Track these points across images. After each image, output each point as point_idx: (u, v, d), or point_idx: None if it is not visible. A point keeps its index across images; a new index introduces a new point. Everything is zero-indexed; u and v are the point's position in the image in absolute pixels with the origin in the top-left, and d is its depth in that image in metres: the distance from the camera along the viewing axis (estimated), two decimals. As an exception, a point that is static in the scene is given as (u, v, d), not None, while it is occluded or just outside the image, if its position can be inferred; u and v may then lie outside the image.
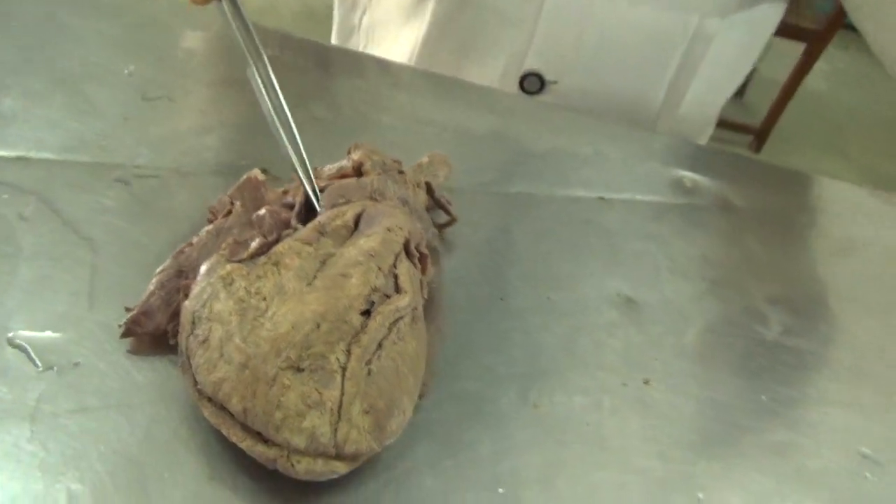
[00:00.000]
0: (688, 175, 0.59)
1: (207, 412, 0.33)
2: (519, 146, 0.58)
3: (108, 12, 0.60)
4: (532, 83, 0.61)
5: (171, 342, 0.37)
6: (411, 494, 0.35)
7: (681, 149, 0.62)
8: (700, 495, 0.37)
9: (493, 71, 0.62)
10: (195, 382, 0.34)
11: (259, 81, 0.43)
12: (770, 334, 0.47)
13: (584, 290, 0.47)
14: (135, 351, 0.38)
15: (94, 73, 0.54)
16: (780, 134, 2.51)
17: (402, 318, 0.35)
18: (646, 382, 0.42)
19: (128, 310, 0.38)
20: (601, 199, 0.55)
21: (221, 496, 0.33)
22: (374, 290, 0.35)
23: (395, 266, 0.36)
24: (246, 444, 0.32)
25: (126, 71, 0.55)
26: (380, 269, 0.36)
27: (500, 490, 0.35)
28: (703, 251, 0.52)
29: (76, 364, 0.36)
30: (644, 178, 0.58)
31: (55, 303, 0.39)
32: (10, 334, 0.37)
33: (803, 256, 0.55)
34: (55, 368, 0.36)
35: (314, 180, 0.42)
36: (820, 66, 2.42)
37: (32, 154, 0.47)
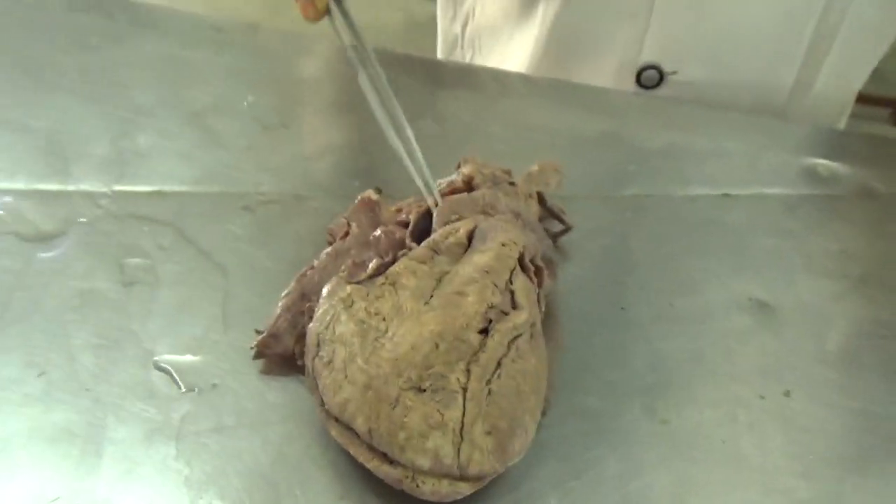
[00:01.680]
0: (822, 163, 0.55)
1: (335, 432, 0.34)
2: (633, 146, 0.56)
3: (226, 46, 0.63)
4: (650, 77, 0.59)
5: (299, 363, 0.38)
6: (538, 514, 0.34)
7: (813, 135, 0.58)
8: (852, 517, 0.34)
9: (608, 67, 0.60)
10: (322, 403, 0.35)
11: (372, 89, 0.43)
12: (927, 336, 0.43)
13: (710, 294, 0.45)
14: (267, 372, 0.40)
15: (218, 105, 0.57)
16: (925, 104, 2.28)
17: (520, 335, 0.35)
18: (786, 394, 0.39)
19: (258, 332, 0.40)
20: (725, 195, 0.52)
21: (351, 515, 0.34)
22: (491, 307, 0.35)
23: (510, 282, 0.36)
24: (373, 464, 0.33)
25: (245, 102, 0.57)
26: (495, 285, 0.35)
27: (631, 510, 0.34)
28: (843, 245, 0.48)
29: (214, 385, 0.39)
30: (773, 170, 0.54)
31: (194, 327, 0.41)
32: (156, 358, 0.40)
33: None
34: (196, 390, 0.38)
35: (433, 190, 0.42)
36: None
37: (167, 188, 0.50)
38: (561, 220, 0.47)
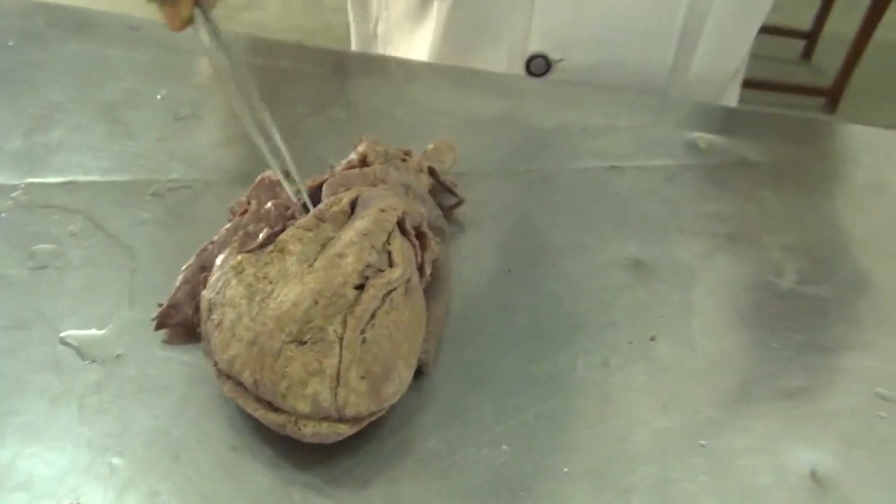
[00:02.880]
0: (702, 136, 0.59)
1: (226, 388, 0.37)
2: (528, 126, 0.59)
3: (142, 43, 0.65)
4: (538, 65, 0.63)
5: (198, 331, 0.41)
6: (418, 455, 0.37)
7: (694, 111, 0.62)
8: (702, 442, 0.38)
9: (499, 57, 0.64)
10: (215, 363, 0.38)
11: (238, 97, 0.43)
12: (785, 284, 0.47)
13: (592, 256, 0.48)
14: (169, 341, 0.42)
15: (130, 100, 0.59)
16: (854, 93, 2.39)
17: (394, 289, 0.37)
18: (651, 339, 0.43)
19: (159, 305, 0.42)
20: (612, 167, 0.56)
21: (243, 462, 0.36)
22: (368, 266, 0.38)
23: (388, 243, 0.39)
24: (259, 413, 0.36)
25: (159, 95, 0.60)
26: (373, 246, 0.38)
27: (504, 447, 0.37)
28: (716, 209, 0.52)
29: (118, 356, 0.41)
30: (657, 143, 0.58)
31: (100, 305, 0.44)
32: (62, 334, 0.42)
33: (824, 205, 0.54)
34: (100, 361, 0.40)
35: (299, 185, 0.43)
36: (890, 16, 2.29)
37: (78, 178, 0.52)
38: (453, 193, 0.50)
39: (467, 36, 0.64)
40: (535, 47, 0.62)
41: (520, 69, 0.64)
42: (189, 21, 0.41)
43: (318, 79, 0.64)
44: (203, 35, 0.42)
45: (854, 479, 0.36)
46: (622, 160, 0.56)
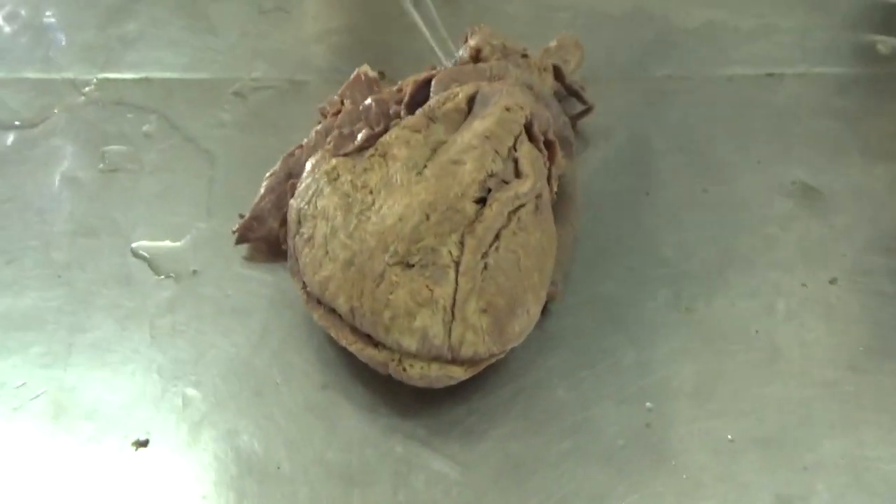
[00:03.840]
0: (882, 39, 0.48)
1: (317, 315, 0.31)
2: (666, 24, 0.50)
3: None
4: None
5: (284, 247, 0.35)
6: (543, 407, 0.30)
7: (872, 8, 0.51)
8: (906, 413, 0.30)
9: None
10: (304, 284, 0.32)
11: None
12: None
13: (750, 179, 0.40)
14: (251, 258, 0.36)
15: (213, -10, 0.53)
16: None
17: (523, 205, 0.30)
18: (832, 282, 0.35)
19: (241, 217, 0.36)
20: (769, 75, 0.46)
21: (335, 404, 0.31)
22: (491, 175, 0.30)
23: (514, 149, 0.32)
24: (356, 347, 0.30)
25: (243, -15, 0.53)
26: (497, 152, 0.31)
27: (649, 405, 0.30)
28: (903, 127, 0.42)
29: (194, 272, 0.36)
30: (825, 48, 0.48)
31: (175, 214, 0.38)
32: (134, 245, 0.37)
33: None
34: (174, 276, 0.35)
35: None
36: None
37: (155, 74, 0.46)
38: (581, 99, 0.42)
39: None
40: None
41: None
42: None
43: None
44: None
45: None
46: (782, 66, 0.47)
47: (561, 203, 0.36)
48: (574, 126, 0.42)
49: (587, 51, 0.45)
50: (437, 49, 0.36)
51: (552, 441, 0.29)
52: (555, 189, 0.35)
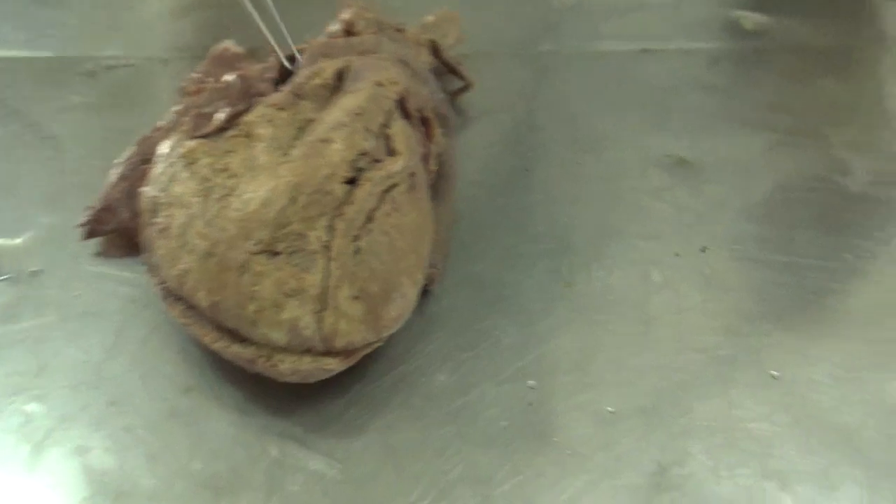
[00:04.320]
0: (748, 15, 0.50)
1: (176, 312, 0.28)
2: (544, 1, 0.50)
3: None
4: None
5: (139, 241, 0.32)
6: (424, 394, 0.29)
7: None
8: (774, 373, 0.31)
9: None
10: (161, 280, 0.29)
11: None
12: (854, 185, 0.39)
13: (624, 152, 0.40)
14: (103, 253, 0.33)
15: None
16: None
17: (396, 185, 0.29)
18: (703, 250, 0.35)
19: (89, 208, 0.33)
20: (644, 50, 0.47)
21: (201, 408, 0.28)
22: (362, 154, 0.29)
23: (386, 125, 0.30)
24: (220, 344, 0.27)
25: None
26: (367, 129, 0.29)
27: (530, 383, 0.30)
28: (769, 99, 0.44)
29: (35, 272, 0.32)
30: (695, 23, 0.49)
31: (14, 208, 0.35)
32: (-34, 244, 0.33)
33: (889, 93, 0.46)
34: (12, 277, 0.32)
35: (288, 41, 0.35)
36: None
37: (-9, 52, 0.42)
38: (460, 75, 0.41)
39: None
40: None
41: None
42: None
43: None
44: None
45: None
46: (655, 42, 0.47)
47: (439, 182, 0.35)
48: (453, 103, 0.41)
49: (467, 27, 0.44)
50: (269, 36, 0.34)
51: (434, 427, 0.28)
52: (433, 168, 0.34)
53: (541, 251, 0.35)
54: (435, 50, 0.40)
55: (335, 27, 0.39)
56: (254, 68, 0.36)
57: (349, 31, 0.38)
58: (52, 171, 0.36)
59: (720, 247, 0.35)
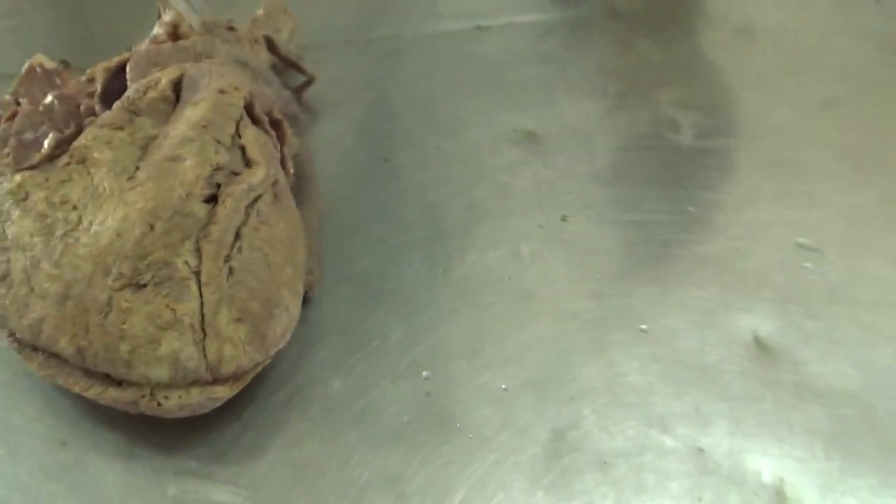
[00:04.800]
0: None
1: (35, 365, 0.26)
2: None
3: None
4: None
5: (-26, 290, 0.29)
6: (321, 403, 0.29)
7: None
8: (643, 327, 0.33)
9: None
10: (10, 332, 0.26)
11: None
12: (685, 140, 0.43)
13: (476, 131, 0.41)
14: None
15: None
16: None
17: (260, 196, 0.28)
18: (563, 219, 0.37)
19: None
20: (478, 28, 0.48)
21: (81, 460, 0.26)
22: (217, 168, 0.27)
23: (238, 135, 0.29)
24: (93, 391, 0.25)
25: None
26: (218, 141, 0.28)
27: (425, 374, 0.30)
28: (598, 65, 0.47)
29: None
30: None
31: None
32: None
33: (703, 50, 0.50)
34: None
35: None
36: None
37: None
38: (301, 70, 0.40)
39: None
40: None
41: None
42: None
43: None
44: None
45: (795, 338, 0.34)
46: (487, 18, 0.48)
47: (299, 185, 0.34)
48: (299, 99, 0.40)
49: (301, 17, 0.43)
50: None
51: (337, 435, 0.28)
52: (291, 171, 0.33)
53: (414, 240, 0.35)
54: (271, 46, 0.39)
55: (158, 31, 0.36)
56: (73, 83, 0.33)
57: (175, 35, 0.36)
58: None
59: (577, 213, 0.37)
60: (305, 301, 0.30)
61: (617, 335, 0.33)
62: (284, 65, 0.40)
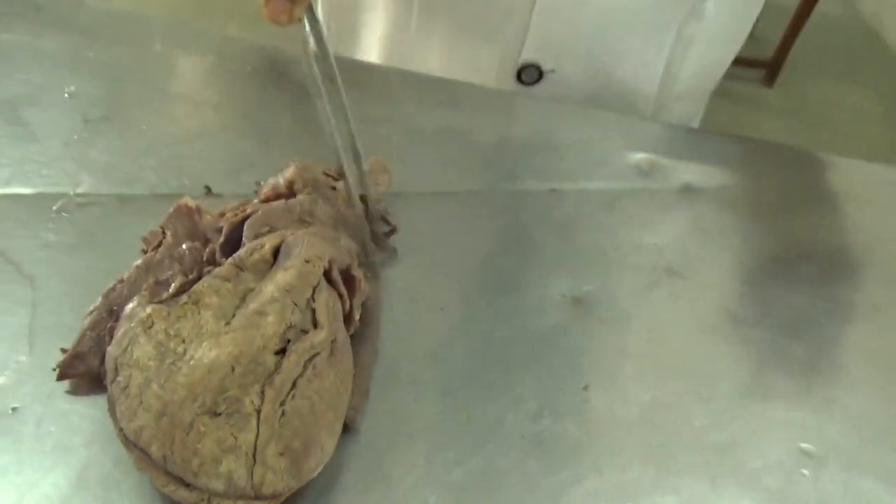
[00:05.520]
0: (644, 157, 0.58)
1: (134, 457, 0.34)
2: (467, 140, 0.57)
3: (47, 27, 0.59)
4: (530, 74, 0.61)
5: (105, 383, 0.38)
6: (343, 521, 0.35)
7: (642, 128, 0.61)
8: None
9: (489, 63, 0.61)
10: (121, 428, 0.35)
11: (328, 110, 0.42)
12: (721, 325, 0.46)
13: (529, 292, 0.47)
14: (74, 392, 0.39)
15: (34, 95, 0.54)
16: (793, 64, 2.42)
17: (318, 354, 0.35)
18: (585, 388, 0.42)
19: (63, 351, 0.39)
20: (553, 190, 0.54)
21: (153, 539, 0.34)
22: (290, 327, 0.35)
23: (312, 299, 0.37)
24: (169, 489, 0.33)
25: (66, 92, 0.54)
26: (296, 304, 0.36)
27: (432, 509, 0.36)
28: (654, 240, 0.51)
29: (14, 409, 0.38)
30: (600, 163, 0.57)
31: (-4, 347, 0.40)
32: (-49, 382, 0.38)
33: (760, 234, 0.53)
34: (-6, 416, 0.37)
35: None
36: (832, -10, 2.31)
37: (-27, 190, 0.47)
38: (386, 222, 0.48)
39: (451, 35, 0.61)
40: (529, 55, 0.60)
41: (510, 77, 0.62)
42: (299, 18, 0.38)
43: (244, 76, 0.60)
44: (307, 30, 0.39)
45: (775, 542, 0.37)
46: (564, 181, 0.55)
47: (363, 325, 0.42)
48: (382, 246, 0.47)
49: (399, 167, 0.51)
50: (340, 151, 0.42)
51: (348, 553, 0.34)
52: (357, 317, 0.41)
53: (450, 387, 0.41)
54: (364, 203, 0.47)
55: (280, 181, 0.45)
56: (208, 219, 0.43)
57: (290, 188, 0.45)
58: (29, 310, 0.42)
59: (599, 384, 0.42)
60: (346, 430, 0.37)
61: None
62: (373, 217, 0.48)
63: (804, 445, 0.41)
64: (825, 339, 0.46)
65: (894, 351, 0.45)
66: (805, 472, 0.40)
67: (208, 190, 0.50)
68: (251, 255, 0.38)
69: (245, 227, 0.40)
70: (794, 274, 0.51)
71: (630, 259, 0.50)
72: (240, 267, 0.38)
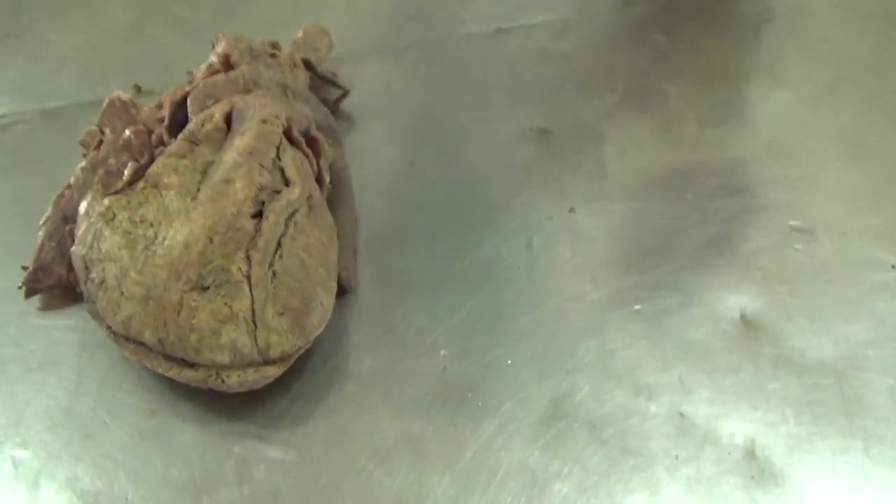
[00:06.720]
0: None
1: (128, 351, 0.33)
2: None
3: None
4: None
5: (79, 290, 0.36)
6: (355, 379, 0.35)
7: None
8: (637, 307, 0.37)
9: None
10: (107, 326, 0.33)
11: None
12: (689, 129, 0.46)
13: (495, 132, 0.45)
14: (47, 307, 0.37)
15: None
16: None
17: (296, 210, 0.34)
18: (571, 210, 0.41)
19: (24, 269, 0.36)
20: (498, 30, 0.52)
21: (167, 425, 0.33)
22: (261, 188, 0.33)
23: (278, 158, 0.35)
24: (173, 372, 0.32)
25: (-42, 13, 0.49)
26: (262, 165, 0.34)
27: (443, 352, 0.36)
28: (609, 61, 0.50)
29: (-12, 335, 0.35)
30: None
31: (-50, 280, 0.37)
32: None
33: (716, 40, 0.52)
34: (-32, 346, 0.35)
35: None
36: None
37: None
38: (336, 85, 0.45)
39: None
40: None
41: None
42: None
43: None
44: None
45: (779, 315, 0.37)
46: (507, 20, 0.52)
47: (336, 189, 0.40)
48: (336, 111, 0.45)
49: (334, 30, 0.48)
50: None
51: (368, 406, 0.34)
52: (327, 180, 0.39)
53: (438, 235, 0.40)
54: (309, 67, 0.44)
55: (213, 59, 0.42)
56: (146, 110, 0.40)
57: (227, 62, 0.42)
58: (-24, 239, 0.39)
59: (584, 205, 0.42)
60: (343, 291, 0.36)
61: (612, 315, 0.37)
62: (322, 82, 0.45)
63: (793, 223, 0.41)
64: (789, 122, 0.46)
65: (849, 124, 0.45)
66: (798, 246, 0.40)
67: (138, 89, 0.47)
68: (202, 126, 0.35)
69: (189, 103, 0.37)
70: (757, 64, 0.50)
71: (589, 84, 0.48)
72: (193, 141, 0.35)
